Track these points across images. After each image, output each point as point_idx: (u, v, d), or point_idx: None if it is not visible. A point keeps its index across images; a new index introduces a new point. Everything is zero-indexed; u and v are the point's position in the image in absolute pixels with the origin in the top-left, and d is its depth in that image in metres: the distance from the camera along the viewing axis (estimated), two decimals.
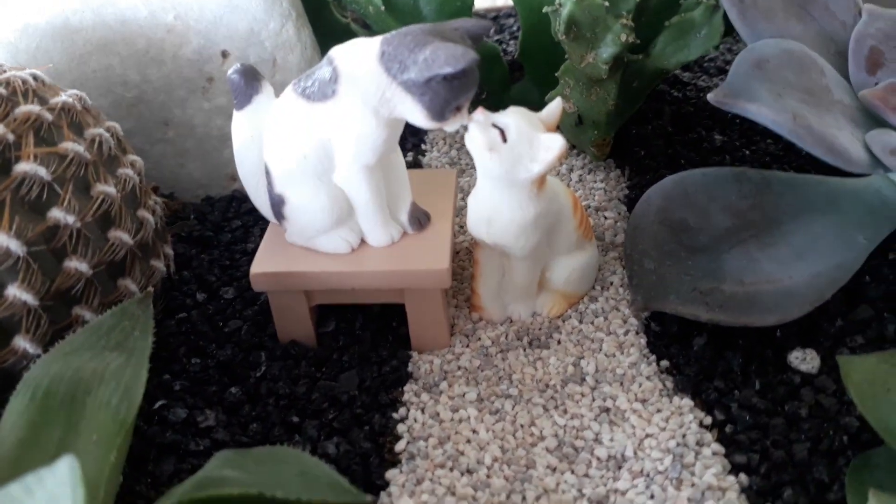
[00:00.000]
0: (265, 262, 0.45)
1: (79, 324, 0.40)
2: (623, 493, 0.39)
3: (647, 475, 0.40)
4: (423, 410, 0.43)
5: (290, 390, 0.44)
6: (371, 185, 0.44)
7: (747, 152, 0.62)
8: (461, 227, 0.56)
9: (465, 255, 0.54)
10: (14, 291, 0.37)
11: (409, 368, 0.46)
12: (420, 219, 0.47)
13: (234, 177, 0.59)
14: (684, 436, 0.41)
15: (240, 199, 0.59)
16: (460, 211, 0.57)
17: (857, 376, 0.39)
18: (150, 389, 0.43)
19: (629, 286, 0.48)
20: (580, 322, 0.49)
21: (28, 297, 0.37)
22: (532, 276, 0.48)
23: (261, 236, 0.51)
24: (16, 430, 0.35)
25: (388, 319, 0.49)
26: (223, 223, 0.57)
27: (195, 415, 0.42)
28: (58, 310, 0.40)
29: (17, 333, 0.38)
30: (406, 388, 0.45)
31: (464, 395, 0.44)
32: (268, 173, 0.44)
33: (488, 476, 0.40)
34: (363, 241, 0.46)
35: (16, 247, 0.37)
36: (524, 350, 0.47)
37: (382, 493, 0.39)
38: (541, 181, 0.44)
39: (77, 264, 0.39)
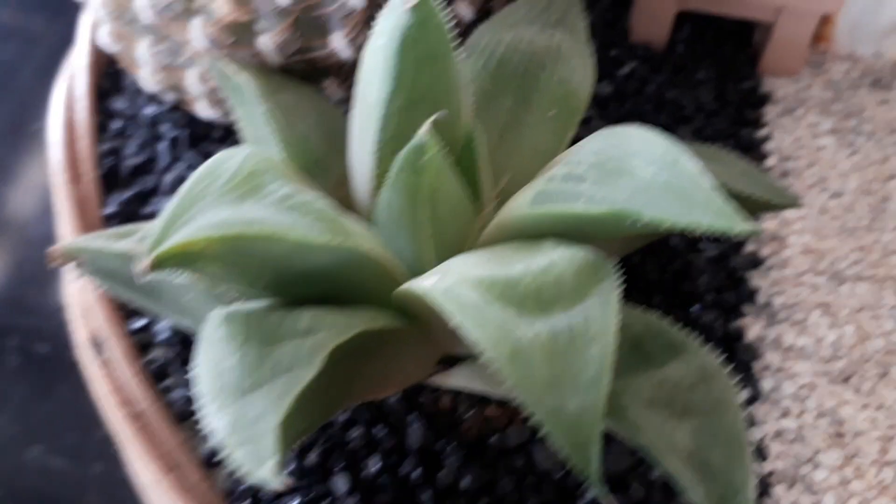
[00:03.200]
0: None
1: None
2: None
3: None
4: (785, 132, 0.45)
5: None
6: None
7: None
8: None
9: None
10: None
11: (765, 90, 0.47)
12: None
13: None
14: None
15: None
16: None
17: None
18: None
19: None
20: None
21: None
22: None
23: None
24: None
25: (735, 35, 0.49)
26: None
27: None
28: None
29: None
30: (767, 109, 0.46)
31: (818, 125, 0.46)
32: None
33: (852, 202, 0.43)
34: None
35: None
36: (868, 89, 0.48)
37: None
38: None
39: None
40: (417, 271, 0.33)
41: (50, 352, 0.50)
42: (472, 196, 0.32)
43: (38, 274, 0.54)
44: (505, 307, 0.25)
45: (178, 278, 0.26)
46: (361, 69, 0.30)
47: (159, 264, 0.24)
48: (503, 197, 0.33)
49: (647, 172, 0.26)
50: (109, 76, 0.48)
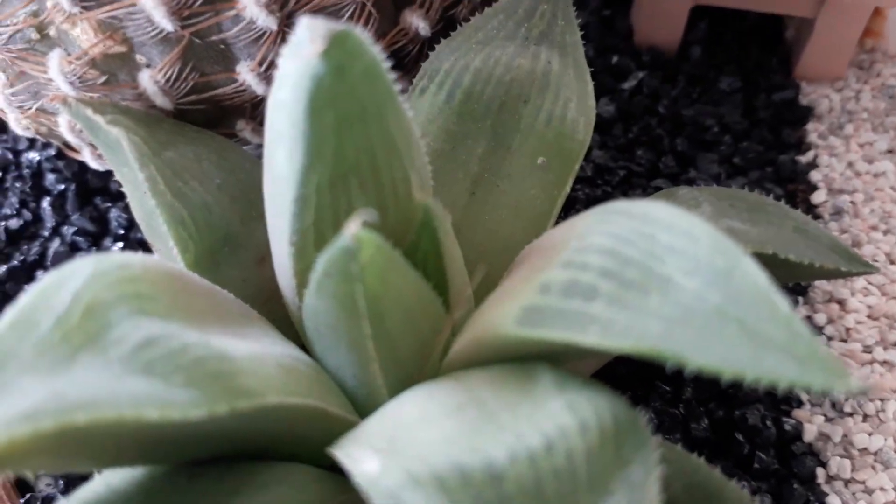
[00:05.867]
0: None
1: (468, 2, 0.31)
2: None
3: None
4: (834, 156, 0.36)
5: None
6: None
7: None
8: None
9: None
10: None
11: (806, 101, 0.38)
12: None
13: None
14: None
15: None
16: None
17: None
18: None
19: None
20: None
21: None
22: None
23: None
24: (427, 138, 0.28)
25: (761, 31, 0.40)
26: None
27: None
28: None
29: (406, 7, 0.29)
30: (810, 126, 0.37)
31: (873, 144, 0.37)
32: None
33: None
34: None
35: None
36: None
37: None
38: None
39: None
40: (364, 403, 0.24)
41: None
42: (436, 295, 0.22)
43: None
44: None
45: None
46: (266, 127, 0.21)
47: None
48: (481, 290, 0.24)
49: (688, 288, 0.17)
50: None
